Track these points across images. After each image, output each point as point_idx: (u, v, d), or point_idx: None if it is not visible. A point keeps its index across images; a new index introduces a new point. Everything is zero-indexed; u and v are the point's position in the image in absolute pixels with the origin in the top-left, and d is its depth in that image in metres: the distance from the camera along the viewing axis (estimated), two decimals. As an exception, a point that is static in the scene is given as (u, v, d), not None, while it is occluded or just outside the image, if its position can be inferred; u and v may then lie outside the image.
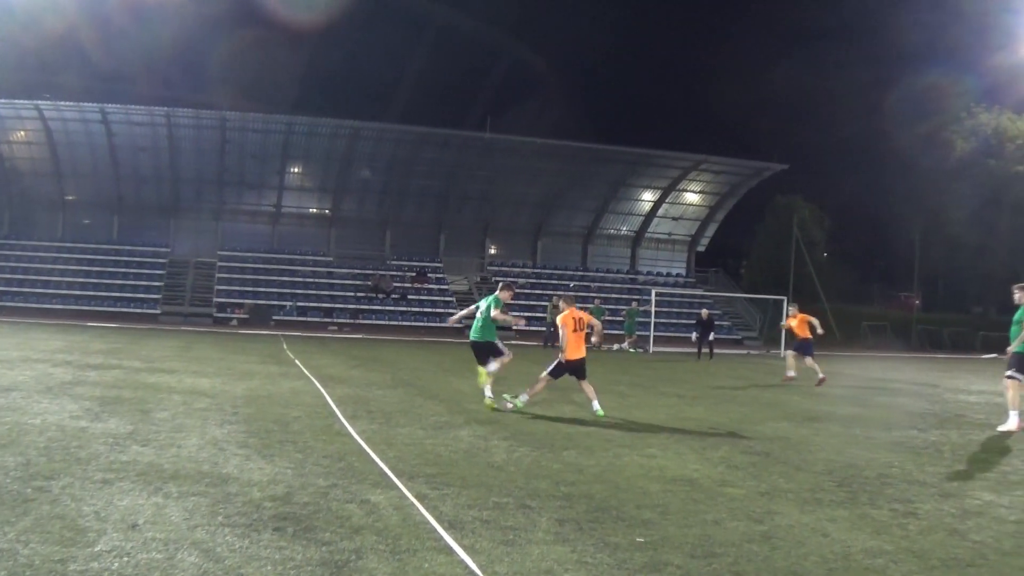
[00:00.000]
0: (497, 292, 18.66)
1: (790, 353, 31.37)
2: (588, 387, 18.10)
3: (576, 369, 18.22)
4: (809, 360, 29.50)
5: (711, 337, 43.14)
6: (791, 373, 29.51)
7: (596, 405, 17.73)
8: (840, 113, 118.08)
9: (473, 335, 18.68)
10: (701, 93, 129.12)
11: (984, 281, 78.02)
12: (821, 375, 27.90)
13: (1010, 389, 18.05)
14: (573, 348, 18.19)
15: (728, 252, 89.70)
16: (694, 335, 44.24)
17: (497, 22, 76.24)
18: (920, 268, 75.97)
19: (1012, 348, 18.02)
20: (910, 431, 16.08)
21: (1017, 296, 15.13)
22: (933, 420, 18.88)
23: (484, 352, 18.48)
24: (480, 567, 6.96)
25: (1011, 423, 17.77)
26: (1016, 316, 18.01)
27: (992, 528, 9.18)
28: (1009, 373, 17.98)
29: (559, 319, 18.60)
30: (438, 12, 79.75)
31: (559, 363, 18.05)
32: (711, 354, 42.75)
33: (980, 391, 28.09)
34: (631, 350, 47.17)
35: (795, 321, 30.70)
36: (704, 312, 44.98)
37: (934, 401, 23.64)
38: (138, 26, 63.72)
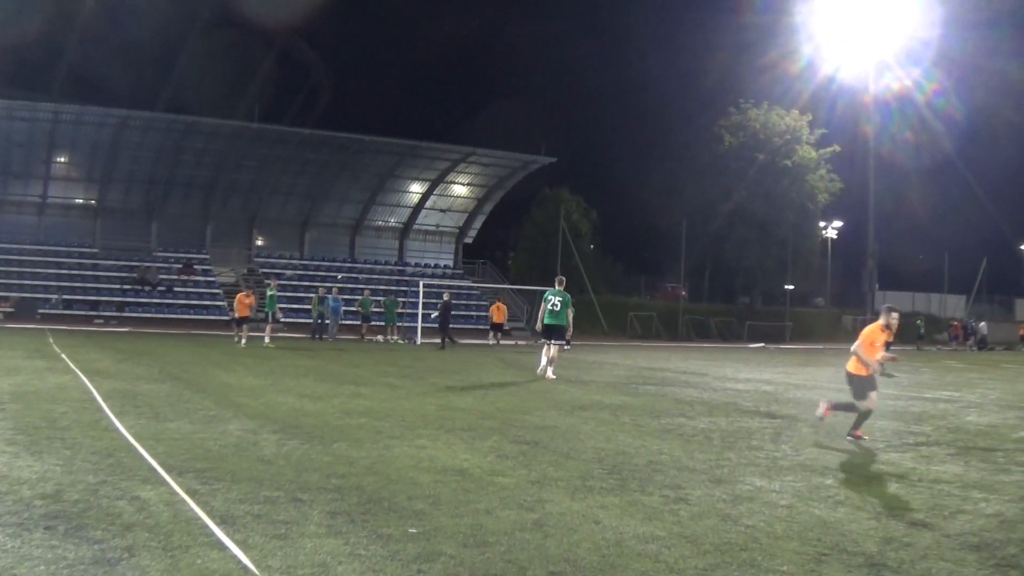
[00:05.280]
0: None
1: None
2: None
3: (241, 321, 38.52)
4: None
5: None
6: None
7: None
8: (607, 107, 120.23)
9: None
10: (471, 85, 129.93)
11: (750, 273, 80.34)
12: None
13: (551, 350, 25.95)
14: (242, 309, 38.56)
15: (496, 244, 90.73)
16: (438, 322, 45.29)
17: (268, 11, 75.30)
18: (686, 259, 77.79)
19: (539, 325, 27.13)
20: (679, 419, 16.37)
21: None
22: (702, 408, 19.16)
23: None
24: (253, 562, 6.90)
25: (550, 373, 25.45)
26: (545, 296, 26.24)
27: (764, 512, 9.32)
28: (543, 341, 26.56)
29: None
30: (208, 1, 78.43)
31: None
32: (447, 342, 43.73)
33: (748, 379, 28.69)
34: (398, 341, 47.22)
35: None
36: (446, 295, 45.98)
37: (703, 389, 24.09)
38: None
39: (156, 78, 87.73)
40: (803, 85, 78.16)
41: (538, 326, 27.93)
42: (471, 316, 63.32)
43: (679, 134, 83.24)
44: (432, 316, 47.54)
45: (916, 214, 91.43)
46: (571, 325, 26.83)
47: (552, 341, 26.05)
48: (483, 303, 66.58)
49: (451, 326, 45.94)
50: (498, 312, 49.36)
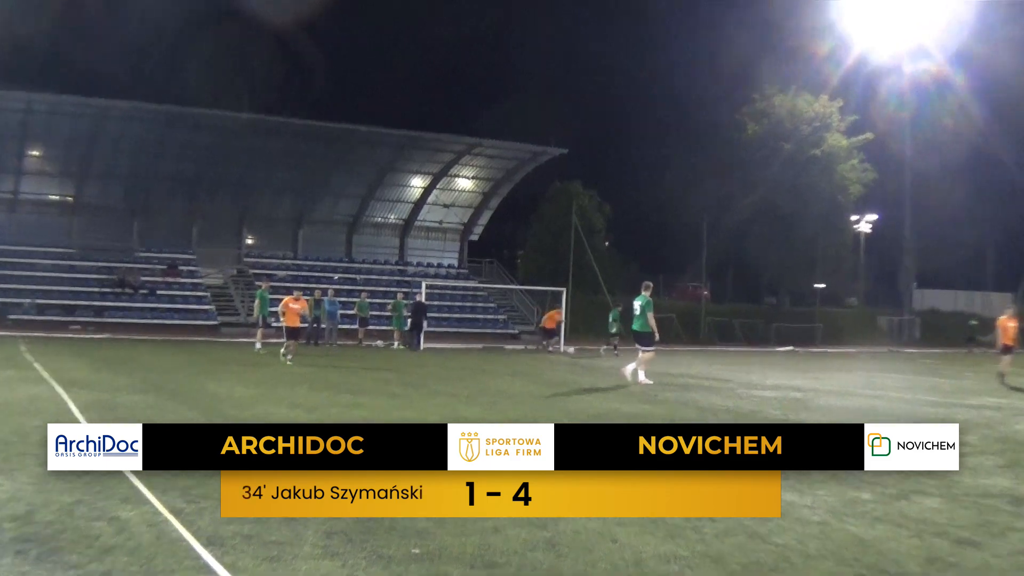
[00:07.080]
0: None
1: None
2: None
3: (294, 333, 33.79)
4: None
5: (424, 326, 45.57)
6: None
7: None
8: (621, 95, 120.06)
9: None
10: (478, 73, 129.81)
11: (777, 271, 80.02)
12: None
13: (640, 354, 27.34)
14: (291, 317, 33.61)
15: (503, 242, 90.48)
16: (408, 324, 45.85)
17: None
18: (708, 257, 77.55)
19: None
20: (701, 429, 16.33)
21: None
22: (727, 416, 18.94)
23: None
24: (243, 586, 6.86)
25: (642, 377, 26.67)
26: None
27: (795, 530, 9.20)
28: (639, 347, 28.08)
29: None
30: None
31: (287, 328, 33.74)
32: (419, 344, 44.23)
33: (776, 385, 28.62)
34: (400, 346, 47.19)
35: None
36: (419, 295, 46.53)
37: (727, 396, 23.98)
38: None
39: (142, 68, 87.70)
40: (833, 68, 78.05)
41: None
42: (477, 320, 63.41)
43: (698, 122, 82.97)
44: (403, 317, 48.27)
45: (956, 206, 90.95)
46: (655, 329, 28.07)
47: (639, 347, 28.08)
48: (491, 305, 66.65)
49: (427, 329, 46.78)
50: (549, 319, 51.34)
